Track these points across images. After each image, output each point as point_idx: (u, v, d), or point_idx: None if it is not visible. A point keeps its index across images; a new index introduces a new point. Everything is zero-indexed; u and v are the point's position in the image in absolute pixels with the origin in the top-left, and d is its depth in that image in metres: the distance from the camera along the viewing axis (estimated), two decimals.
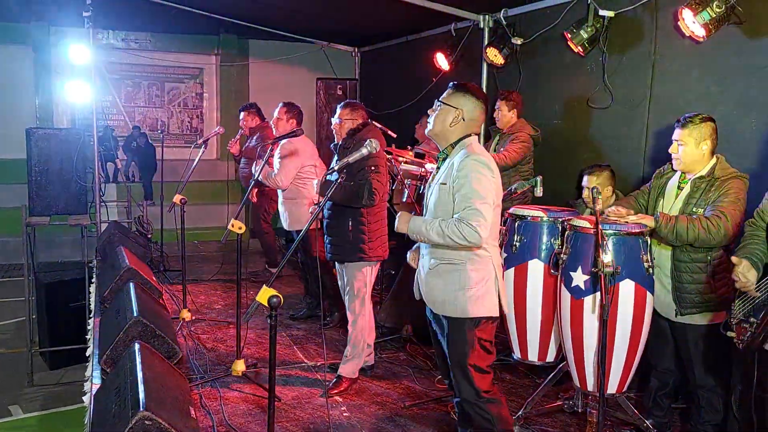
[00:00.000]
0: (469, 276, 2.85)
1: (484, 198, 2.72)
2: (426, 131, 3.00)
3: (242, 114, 6.78)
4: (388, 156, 5.26)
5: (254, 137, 6.59)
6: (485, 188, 2.74)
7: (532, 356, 3.99)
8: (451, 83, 3.00)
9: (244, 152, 6.64)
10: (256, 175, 4.63)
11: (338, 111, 4.26)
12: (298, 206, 5.26)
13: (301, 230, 5.06)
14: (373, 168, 3.96)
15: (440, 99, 2.95)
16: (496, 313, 2.94)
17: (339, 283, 4.37)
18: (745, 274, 2.68)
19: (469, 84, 3.00)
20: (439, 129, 2.92)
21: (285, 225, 5.49)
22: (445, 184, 2.83)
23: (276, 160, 5.28)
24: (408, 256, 3.19)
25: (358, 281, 4.15)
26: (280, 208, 5.47)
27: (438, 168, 2.98)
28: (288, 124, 5.36)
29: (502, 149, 5.19)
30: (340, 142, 4.20)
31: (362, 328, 4.20)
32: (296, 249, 4.39)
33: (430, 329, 3.15)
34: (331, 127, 4.34)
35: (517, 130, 5.22)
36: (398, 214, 2.95)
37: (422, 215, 3.02)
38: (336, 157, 4.25)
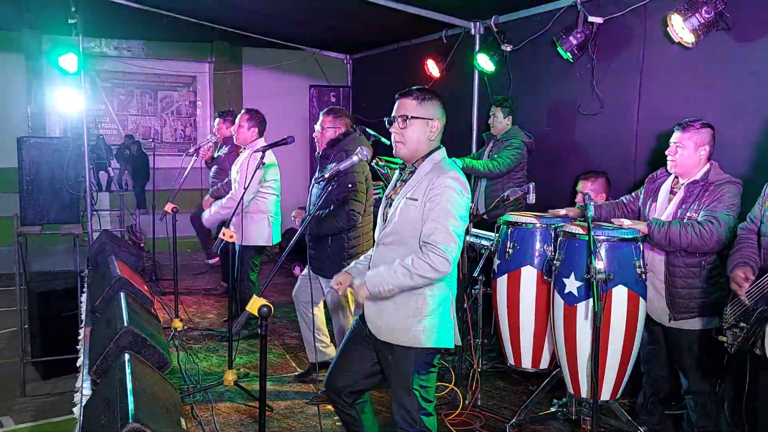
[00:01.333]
0: (426, 302, 2.63)
1: (457, 221, 2.55)
2: (396, 152, 2.72)
3: (218, 120, 6.50)
4: (381, 164, 5.27)
5: (227, 146, 6.34)
6: (458, 210, 2.57)
7: (526, 363, 3.98)
8: (409, 91, 2.69)
9: (216, 161, 6.41)
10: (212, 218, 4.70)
11: (320, 118, 4.16)
12: (252, 222, 5.03)
13: (243, 245, 5.00)
14: (350, 186, 3.86)
15: (404, 112, 2.64)
16: (451, 345, 2.72)
17: (297, 288, 4.29)
18: (749, 278, 2.69)
19: (426, 88, 2.75)
20: (415, 146, 2.65)
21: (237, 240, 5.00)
22: (415, 199, 2.60)
23: (235, 171, 5.10)
24: (333, 281, 2.88)
25: (336, 295, 4.09)
26: (234, 219, 4.99)
27: (402, 180, 2.76)
28: (249, 133, 5.08)
29: (495, 155, 5.19)
30: (320, 152, 4.13)
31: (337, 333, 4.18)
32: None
33: (350, 339, 2.91)
34: (313, 134, 4.24)
35: (511, 136, 5.23)
36: (352, 287, 2.72)
37: (376, 227, 2.82)
38: (318, 167, 4.20)
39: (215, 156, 6.49)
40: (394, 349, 2.69)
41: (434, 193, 2.56)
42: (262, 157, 4.89)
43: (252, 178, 4.52)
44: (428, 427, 2.72)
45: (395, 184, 2.81)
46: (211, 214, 5.17)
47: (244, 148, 5.17)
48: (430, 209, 2.56)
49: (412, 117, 2.63)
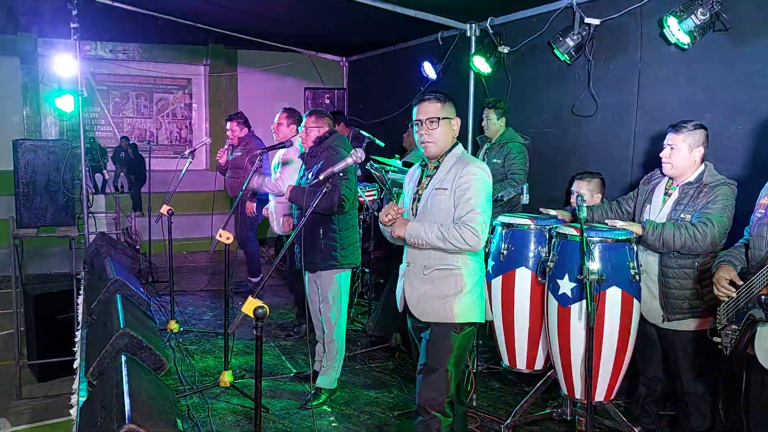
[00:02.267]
0: (464, 281, 2.88)
1: (486, 205, 2.83)
2: (427, 152, 2.93)
3: (229, 124, 6.66)
4: (376, 165, 5.28)
5: (241, 147, 6.51)
6: (486, 195, 2.84)
7: (521, 364, 3.99)
8: (431, 95, 2.92)
9: (232, 162, 6.54)
10: (244, 186, 4.61)
11: (304, 120, 4.28)
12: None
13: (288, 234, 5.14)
14: (341, 174, 3.91)
15: (433, 114, 2.87)
16: (483, 319, 2.97)
17: (308, 293, 4.34)
18: (724, 276, 2.70)
19: (440, 90, 3.00)
20: (444, 143, 2.91)
21: (276, 229, 5.42)
22: (444, 189, 2.85)
23: (274, 167, 5.26)
24: (384, 213, 2.97)
25: (333, 289, 4.13)
26: (273, 211, 5.40)
27: (426, 175, 2.98)
28: (289, 130, 5.32)
29: (509, 174, 5.13)
30: (307, 150, 4.22)
31: (337, 340, 4.17)
32: (284, 257, 4.38)
33: (412, 343, 3.13)
34: (298, 135, 4.34)
35: (507, 139, 5.22)
36: (396, 220, 2.90)
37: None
38: (303, 165, 4.30)
39: (230, 158, 6.53)
40: (433, 327, 2.90)
41: (463, 181, 2.82)
42: (261, 159, 4.96)
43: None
44: (448, 412, 2.87)
45: (420, 180, 3.01)
46: (249, 179, 5.13)
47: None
48: (460, 195, 2.81)
49: (441, 118, 2.88)
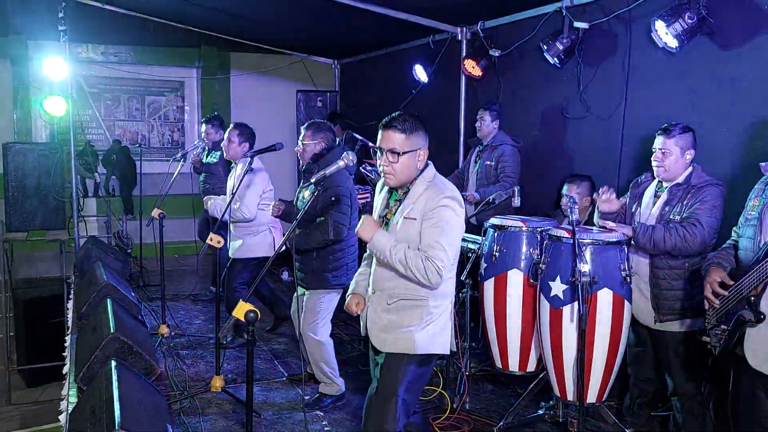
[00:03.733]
0: (431, 312, 2.76)
1: (454, 240, 2.68)
2: (386, 183, 2.80)
3: (205, 126, 6.37)
4: (369, 168, 5.28)
5: (216, 152, 6.24)
6: (454, 229, 2.69)
7: (513, 366, 4.00)
8: (394, 123, 2.71)
9: (206, 167, 6.30)
10: (221, 216, 4.53)
11: (302, 133, 4.13)
12: (254, 234, 5.03)
13: (245, 257, 5.00)
14: (333, 199, 3.85)
15: (393, 148, 2.68)
16: (447, 351, 2.85)
17: (295, 305, 4.30)
18: (716, 280, 2.72)
19: (409, 114, 2.77)
20: (406, 178, 2.74)
21: (231, 252, 4.99)
22: (413, 219, 2.70)
23: (233, 182, 5.05)
24: (348, 300, 2.98)
25: (318, 307, 4.07)
26: (233, 233, 5.04)
27: (396, 199, 2.83)
28: (240, 148, 5.05)
29: (502, 177, 5.13)
30: (304, 166, 4.13)
31: (323, 352, 4.11)
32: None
33: (372, 362, 3.00)
34: (295, 149, 4.22)
35: (499, 142, 5.23)
36: (362, 218, 2.77)
37: None
38: (302, 182, 4.17)
39: (205, 161, 6.37)
40: (388, 356, 2.78)
41: (432, 214, 2.66)
42: (250, 163, 4.91)
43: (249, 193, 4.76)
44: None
45: (388, 204, 2.86)
46: (217, 208, 4.98)
47: (236, 163, 5.14)
48: (428, 227, 2.66)
49: (402, 153, 2.69)
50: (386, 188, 2.91)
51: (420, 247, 2.67)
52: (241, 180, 4.49)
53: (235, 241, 5.05)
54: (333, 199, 3.85)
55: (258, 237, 5.05)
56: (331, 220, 3.86)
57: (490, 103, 5.38)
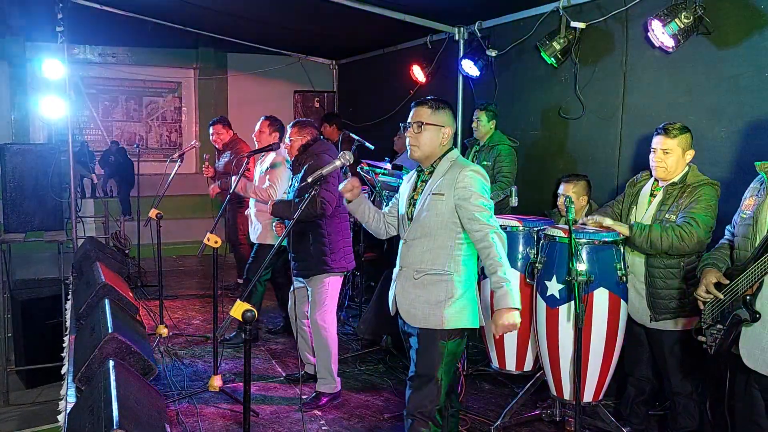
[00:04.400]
0: (456, 287, 2.85)
1: (488, 200, 2.85)
2: (411, 154, 2.96)
3: (213, 128, 6.50)
4: (366, 168, 5.28)
5: (228, 151, 6.40)
6: (486, 192, 2.86)
7: (510, 365, 4.01)
8: (425, 100, 2.95)
9: (219, 169, 6.40)
10: (233, 188, 4.62)
11: (288, 131, 4.30)
12: (266, 218, 5.17)
13: (268, 243, 5.14)
14: (322, 177, 3.95)
15: (419, 119, 2.89)
16: (476, 324, 2.93)
17: (295, 299, 4.33)
18: (711, 282, 2.73)
19: (441, 98, 2.98)
20: (429, 150, 2.91)
21: (254, 237, 5.39)
22: (441, 194, 2.83)
23: (259, 174, 5.26)
24: (344, 184, 3.08)
25: (323, 293, 4.12)
26: (254, 219, 5.38)
27: (422, 180, 2.97)
28: (271, 137, 5.27)
29: (499, 176, 5.14)
30: (292, 159, 4.25)
31: (329, 343, 4.14)
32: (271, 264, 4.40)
33: (405, 344, 3.10)
34: (283, 146, 4.35)
35: (496, 142, 5.24)
36: (496, 312, 2.76)
37: (403, 227, 2.97)
38: (291, 174, 4.32)
39: (217, 167, 6.43)
40: (421, 334, 2.87)
41: (462, 185, 2.81)
42: (247, 162, 4.96)
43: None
44: (438, 420, 2.86)
45: (415, 185, 3.01)
46: (236, 183, 5.02)
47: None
48: (463, 199, 2.80)
49: (426, 123, 2.89)
50: (414, 176, 3.06)
51: (464, 219, 2.80)
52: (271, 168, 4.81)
53: (256, 226, 5.32)
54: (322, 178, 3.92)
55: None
56: (318, 197, 3.92)
57: (485, 103, 5.38)
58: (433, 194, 2.86)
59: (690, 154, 3.39)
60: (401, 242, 3.00)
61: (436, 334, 2.84)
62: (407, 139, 2.96)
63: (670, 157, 3.37)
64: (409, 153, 2.98)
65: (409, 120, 2.95)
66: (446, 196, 2.82)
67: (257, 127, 5.36)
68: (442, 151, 2.92)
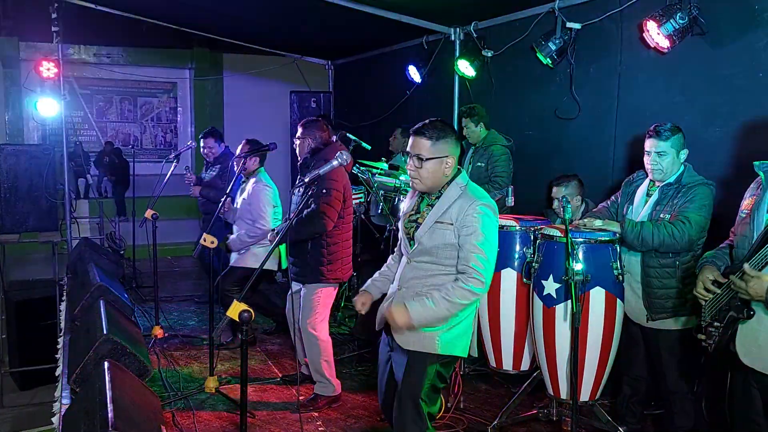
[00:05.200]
0: (455, 314, 2.76)
1: (491, 244, 2.73)
2: (413, 187, 2.87)
3: (204, 142, 6.17)
4: (362, 168, 5.28)
5: (218, 166, 6.13)
6: (492, 233, 2.75)
7: (507, 365, 4.01)
8: (424, 130, 2.76)
9: (206, 183, 6.13)
10: (216, 212, 4.59)
11: (299, 130, 4.21)
12: (262, 247, 5.02)
13: (247, 267, 4.99)
14: (324, 192, 3.91)
15: (419, 153, 2.73)
16: (466, 354, 2.88)
17: (289, 304, 4.32)
18: (708, 278, 2.73)
19: (440, 121, 2.81)
20: (432, 183, 2.78)
21: (233, 260, 5.14)
22: (449, 224, 2.73)
23: (241, 200, 5.10)
24: (356, 303, 3.02)
25: (315, 301, 4.10)
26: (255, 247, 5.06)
27: (428, 204, 2.85)
28: (250, 162, 5.04)
29: (494, 177, 5.12)
30: (301, 160, 4.20)
31: (322, 350, 4.13)
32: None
33: (381, 356, 3.04)
34: (293, 145, 4.29)
35: (490, 142, 5.22)
36: (387, 310, 2.78)
37: (406, 246, 2.90)
38: (299, 176, 4.24)
39: (202, 177, 6.23)
40: (412, 355, 2.80)
41: (468, 221, 2.71)
42: (244, 163, 4.94)
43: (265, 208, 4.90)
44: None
45: (419, 209, 2.88)
46: (240, 240, 5.03)
47: (247, 178, 5.14)
48: (465, 235, 2.70)
49: (428, 159, 2.74)
50: (417, 197, 2.94)
51: (459, 259, 2.72)
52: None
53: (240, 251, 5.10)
54: (324, 191, 3.91)
55: (261, 248, 5.01)
56: (320, 212, 3.90)
57: (468, 109, 5.28)
58: (439, 222, 2.76)
59: (685, 153, 3.40)
60: (404, 260, 2.93)
61: (428, 357, 2.78)
62: (408, 171, 2.84)
63: (664, 159, 3.38)
64: (411, 184, 2.89)
65: (408, 148, 2.82)
66: (454, 227, 2.73)
67: (238, 152, 5.12)
68: (447, 179, 2.80)
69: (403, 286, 2.87)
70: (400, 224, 2.99)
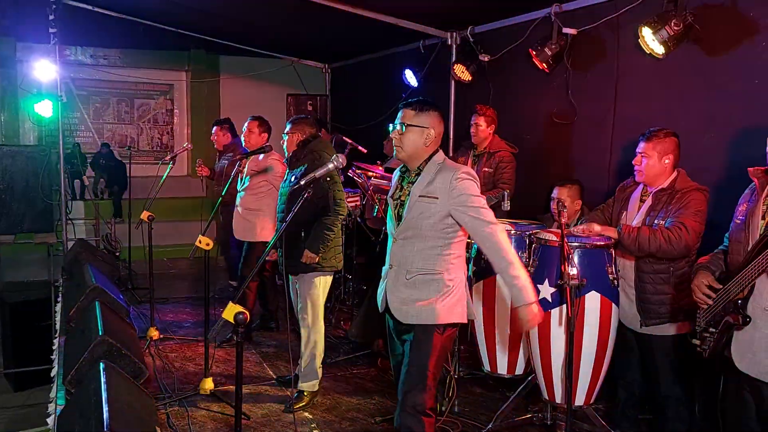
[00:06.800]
0: (446, 284, 2.91)
1: (483, 198, 2.91)
2: (396, 155, 3.01)
3: (215, 129, 6.42)
4: (358, 171, 5.29)
5: (226, 155, 6.29)
6: (479, 192, 2.91)
7: (502, 369, 4.02)
8: (411, 102, 2.99)
9: (218, 172, 6.28)
10: (224, 191, 4.61)
11: (287, 126, 4.36)
12: (258, 217, 5.26)
13: (250, 241, 5.22)
14: (329, 179, 4.06)
15: (403, 120, 2.94)
16: (465, 320, 3.00)
17: (291, 296, 4.37)
18: (703, 282, 2.75)
19: (427, 100, 3.02)
20: (412, 151, 2.94)
21: (236, 233, 5.42)
22: (434, 197, 2.86)
23: (246, 178, 5.27)
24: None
25: (313, 293, 4.16)
26: (239, 218, 5.38)
27: (408, 182, 2.99)
28: (260, 138, 5.31)
29: (501, 183, 5.13)
30: (290, 154, 4.30)
31: (316, 341, 4.19)
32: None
33: (389, 343, 3.15)
34: (281, 142, 4.40)
35: (496, 148, 5.19)
36: (513, 310, 2.88)
37: (392, 227, 3.01)
38: (288, 170, 4.35)
39: (215, 167, 6.36)
40: (416, 329, 2.92)
41: (458, 190, 2.85)
42: (239, 165, 4.97)
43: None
44: (429, 415, 2.89)
45: (401, 186, 3.05)
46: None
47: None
48: (461, 203, 2.85)
49: (409, 125, 2.92)
50: (396, 178, 3.12)
51: (467, 220, 2.85)
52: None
53: (239, 224, 5.39)
54: (329, 179, 4.04)
55: (260, 221, 5.25)
56: (334, 197, 4.07)
57: (483, 108, 5.31)
58: (422, 197, 2.89)
59: (668, 159, 3.39)
60: (391, 240, 3.04)
61: (429, 328, 2.90)
62: (393, 140, 3.00)
63: (646, 160, 3.40)
64: (394, 153, 3.03)
65: (396, 120, 3.00)
66: (440, 201, 2.86)
67: (245, 127, 5.36)
68: (428, 153, 2.95)
69: (393, 264, 3.00)
70: (389, 209, 3.12)
